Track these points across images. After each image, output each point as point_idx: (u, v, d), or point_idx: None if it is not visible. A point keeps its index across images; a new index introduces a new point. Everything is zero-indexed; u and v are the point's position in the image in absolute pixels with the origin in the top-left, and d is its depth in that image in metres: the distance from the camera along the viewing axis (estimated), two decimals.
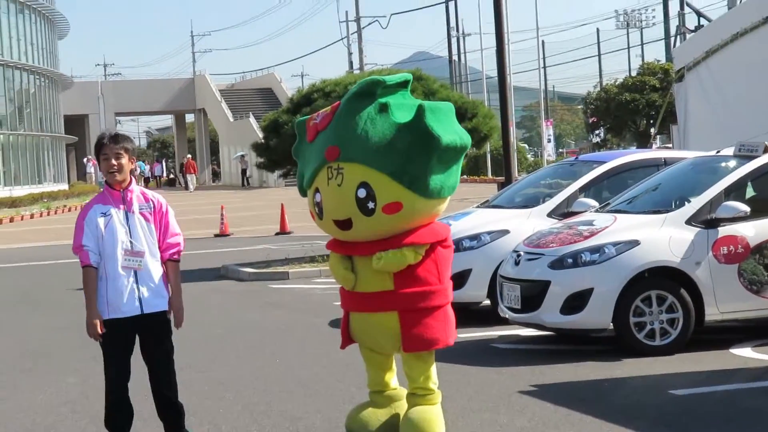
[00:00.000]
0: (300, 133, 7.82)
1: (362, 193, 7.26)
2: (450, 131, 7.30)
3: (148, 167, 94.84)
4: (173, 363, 7.71)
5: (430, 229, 7.52)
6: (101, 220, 7.45)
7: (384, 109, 7.38)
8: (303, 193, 7.83)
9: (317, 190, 7.50)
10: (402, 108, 7.41)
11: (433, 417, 7.58)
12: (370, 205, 7.25)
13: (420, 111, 7.24)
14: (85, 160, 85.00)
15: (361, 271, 7.54)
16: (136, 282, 7.46)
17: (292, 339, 13.00)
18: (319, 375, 10.59)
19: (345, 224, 7.38)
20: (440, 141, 7.17)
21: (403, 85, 7.64)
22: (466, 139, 7.44)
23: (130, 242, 7.44)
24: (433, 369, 7.71)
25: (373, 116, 7.36)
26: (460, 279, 13.15)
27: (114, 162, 7.46)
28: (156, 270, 7.58)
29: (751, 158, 11.60)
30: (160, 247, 7.62)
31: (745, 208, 11.09)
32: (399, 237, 7.37)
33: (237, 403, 9.62)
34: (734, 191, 11.40)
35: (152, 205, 7.61)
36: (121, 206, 7.51)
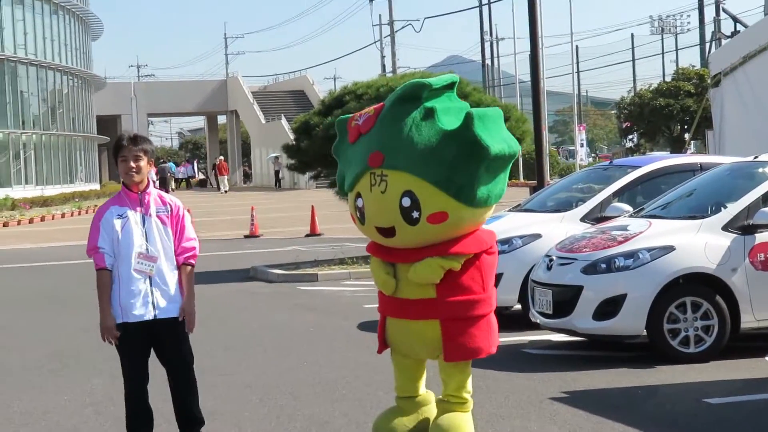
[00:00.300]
0: (341, 132, 7.47)
1: (407, 201, 6.91)
2: (499, 139, 6.94)
3: (184, 168, 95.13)
4: (192, 371, 7.54)
5: (475, 237, 7.18)
6: (118, 222, 7.28)
7: (430, 114, 7.01)
8: (344, 194, 7.51)
9: (359, 195, 7.14)
10: (449, 112, 7.06)
11: (463, 425, 7.31)
12: (415, 214, 6.91)
13: (468, 119, 6.88)
14: None
15: (403, 277, 7.21)
16: (150, 286, 7.28)
17: (320, 341, 12.85)
18: (346, 378, 10.45)
19: (388, 232, 7.06)
20: (489, 151, 6.82)
21: (449, 86, 7.23)
22: (515, 146, 7.11)
23: (146, 246, 7.27)
24: (469, 378, 7.44)
25: (418, 122, 6.99)
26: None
27: (133, 164, 7.27)
28: (171, 275, 7.40)
29: None
30: (175, 251, 7.42)
31: None
32: (443, 245, 7.05)
33: (263, 406, 9.49)
34: None
35: (169, 209, 7.43)
36: (138, 209, 7.34)
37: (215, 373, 10.40)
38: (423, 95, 7.08)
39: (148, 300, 7.27)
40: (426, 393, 7.67)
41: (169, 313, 7.33)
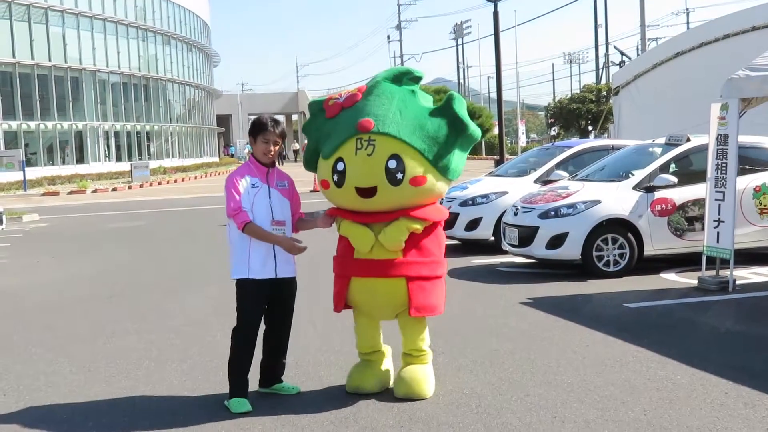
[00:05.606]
0: (314, 112, 5.62)
1: (392, 164, 5.12)
2: (472, 122, 5.37)
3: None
4: (291, 322, 5.72)
5: (436, 209, 5.41)
6: (252, 191, 5.50)
7: (413, 93, 5.41)
8: (311, 167, 5.60)
9: (339, 160, 5.26)
10: (423, 96, 5.48)
11: (424, 376, 5.51)
12: (399, 176, 5.12)
13: (450, 99, 5.30)
14: (237, 142, 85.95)
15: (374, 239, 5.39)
16: (273, 250, 5.50)
17: None
18: None
19: (369, 192, 5.20)
20: (468, 128, 5.27)
21: (418, 79, 5.53)
22: (479, 133, 5.49)
23: (272, 213, 5.52)
24: (427, 331, 5.59)
25: (405, 98, 5.35)
26: (475, 224, 12.42)
27: (272, 147, 5.55)
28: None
29: (677, 146, 10.60)
30: (292, 215, 5.74)
31: (674, 179, 10.16)
32: (411, 210, 5.29)
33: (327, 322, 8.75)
34: (665, 167, 10.39)
35: (286, 182, 5.68)
36: (266, 181, 5.57)
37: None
38: (404, 79, 5.49)
39: (272, 262, 5.50)
40: (384, 346, 5.84)
41: (286, 273, 5.54)
